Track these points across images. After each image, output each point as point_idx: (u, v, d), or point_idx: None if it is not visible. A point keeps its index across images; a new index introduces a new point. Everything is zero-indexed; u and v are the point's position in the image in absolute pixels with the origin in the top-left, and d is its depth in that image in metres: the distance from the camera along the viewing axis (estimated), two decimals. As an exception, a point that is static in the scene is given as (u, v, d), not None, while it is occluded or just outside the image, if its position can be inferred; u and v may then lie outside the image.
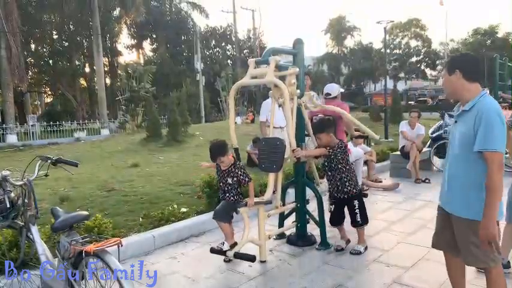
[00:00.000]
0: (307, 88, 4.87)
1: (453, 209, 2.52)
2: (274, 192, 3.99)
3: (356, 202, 4.08)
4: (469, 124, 2.37)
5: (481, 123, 2.30)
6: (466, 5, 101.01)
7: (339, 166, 4.02)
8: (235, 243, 3.86)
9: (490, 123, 2.28)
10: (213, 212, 5.13)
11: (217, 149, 3.91)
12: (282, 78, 3.94)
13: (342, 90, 5.61)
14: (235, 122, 22.31)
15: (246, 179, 3.88)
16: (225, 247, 3.85)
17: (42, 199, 5.70)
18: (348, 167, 4.07)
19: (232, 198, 3.94)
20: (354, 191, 4.06)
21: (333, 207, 4.21)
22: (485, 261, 2.45)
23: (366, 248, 4.11)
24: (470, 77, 2.44)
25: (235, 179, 3.90)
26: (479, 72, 2.52)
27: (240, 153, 4.16)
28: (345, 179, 4.02)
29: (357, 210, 4.07)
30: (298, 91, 3.99)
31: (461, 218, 2.47)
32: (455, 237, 2.54)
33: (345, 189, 4.03)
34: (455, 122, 2.56)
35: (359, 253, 4.01)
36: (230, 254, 3.62)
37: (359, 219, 4.08)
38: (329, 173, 4.10)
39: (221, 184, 4.02)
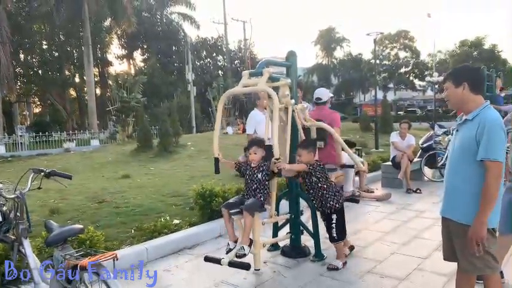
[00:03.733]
0: (299, 99, 4.89)
1: (452, 216, 2.56)
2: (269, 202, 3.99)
3: (334, 216, 4.01)
4: (471, 133, 2.44)
5: (483, 133, 2.37)
6: (453, 17, 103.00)
7: (319, 185, 3.99)
8: (251, 241, 3.71)
9: (493, 133, 2.36)
10: (207, 222, 5.20)
11: (257, 141, 3.98)
12: (275, 90, 3.97)
13: (331, 95, 5.59)
14: (227, 132, 22.25)
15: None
16: (246, 250, 3.62)
17: (32, 211, 5.52)
18: (328, 184, 4.03)
19: (261, 197, 3.79)
20: (337, 206, 4.01)
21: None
22: (482, 269, 2.48)
23: (344, 264, 4.01)
24: (475, 89, 2.52)
25: (264, 173, 3.81)
26: (484, 84, 2.59)
27: (219, 164, 3.90)
28: (327, 195, 3.99)
29: (334, 225, 4.00)
30: (293, 101, 4.02)
31: (460, 224, 2.50)
32: (454, 244, 2.56)
33: (328, 205, 3.99)
34: (457, 130, 2.63)
35: (336, 269, 3.91)
36: (225, 262, 3.54)
37: (335, 235, 4.00)
38: (311, 191, 4.07)
39: (250, 182, 3.86)
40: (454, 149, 2.60)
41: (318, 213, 4.27)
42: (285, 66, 4.25)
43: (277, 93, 4.01)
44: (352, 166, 5.09)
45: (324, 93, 5.22)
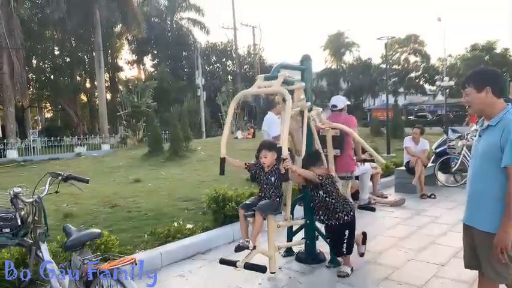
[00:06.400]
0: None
1: (475, 223, 2.51)
2: (284, 204, 3.95)
3: (347, 232, 3.87)
4: (495, 139, 2.38)
5: (507, 139, 2.31)
6: (463, 20, 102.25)
7: (327, 199, 3.84)
8: (255, 247, 3.65)
9: None
10: (220, 227, 5.17)
11: (267, 144, 3.89)
12: (290, 93, 3.94)
13: (349, 102, 5.47)
14: (236, 137, 22.07)
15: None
16: (250, 246, 3.58)
17: (45, 215, 5.63)
18: (337, 198, 3.88)
19: (277, 199, 3.78)
20: (346, 218, 3.85)
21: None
22: (507, 277, 2.41)
23: (352, 269, 3.95)
24: (498, 93, 2.45)
25: (277, 176, 3.75)
26: (505, 87, 2.54)
27: (225, 165, 3.80)
28: (337, 209, 3.84)
29: (345, 240, 3.87)
30: (309, 103, 3.98)
31: (483, 232, 2.44)
32: (477, 251, 2.51)
33: (337, 216, 3.84)
34: (479, 136, 2.56)
35: (347, 275, 3.84)
36: (240, 264, 3.50)
37: (344, 250, 3.89)
38: (317, 205, 3.93)
39: (265, 186, 3.81)
40: (477, 156, 2.53)
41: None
42: (299, 70, 4.23)
43: (291, 97, 4.00)
44: (372, 160, 5.03)
45: (340, 100, 5.17)
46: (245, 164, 3.99)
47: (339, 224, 3.84)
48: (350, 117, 5.06)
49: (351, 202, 4.08)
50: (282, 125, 3.67)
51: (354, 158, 5.02)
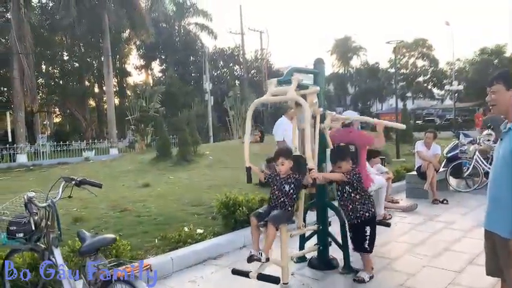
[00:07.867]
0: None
1: (496, 229, 2.44)
2: (296, 211, 3.90)
3: (368, 228, 3.88)
4: None
5: None
6: (472, 24, 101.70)
7: (352, 195, 3.90)
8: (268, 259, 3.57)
9: None
10: (230, 232, 5.13)
11: (284, 151, 3.83)
12: (303, 97, 3.90)
13: (357, 118, 5.26)
14: (243, 142, 21.91)
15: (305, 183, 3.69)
16: (263, 258, 3.50)
17: (56, 219, 5.63)
18: (362, 194, 3.93)
19: (289, 208, 3.69)
20: (367, 214, 3.88)
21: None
22: None
23: (371, 277, 3.86)
24: None
25: (293, 185, 3.66)
26: None
27: (251, 174, 3.91)
28: (358, 206, 3.89)
29: (367, 237, 3.87)
30: (321, 109, 3.94)
31: (503, 238, 2.38)
32: (499, 258, 2.44)
33: (358, 214, 3.88)
34: (501, 139, 2.49)
35: (363, 281, 3.80)
36: (253, 275, 3.44)
37: (367, 246, 3.88)
38: (341, 203, 4.01)
39: (277, 193, 3.71)
40: (498, 159, 2.46)
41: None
42: (312, 74, 4.19)
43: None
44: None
45: (348, 115, 5.06)
46: (264, 175, 3.94)
47: (360, 221, 3.87)
48: (360, 132, 4.91)
49: (372, 199, 4.12)
50: (300, 132, 3.71)
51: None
